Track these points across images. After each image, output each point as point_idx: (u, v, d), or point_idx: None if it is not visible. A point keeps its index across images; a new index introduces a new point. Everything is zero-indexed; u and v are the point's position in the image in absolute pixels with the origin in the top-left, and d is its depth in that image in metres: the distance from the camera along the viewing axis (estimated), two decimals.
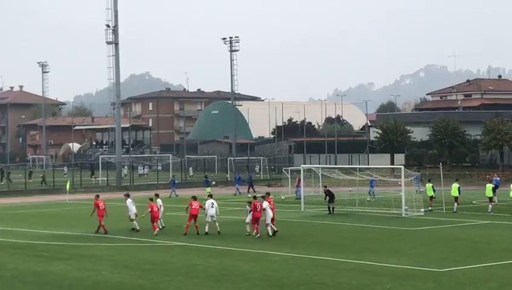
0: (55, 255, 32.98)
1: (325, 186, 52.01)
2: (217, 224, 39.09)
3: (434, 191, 52.11)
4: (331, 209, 49.56)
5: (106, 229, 39.94)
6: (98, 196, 42.19)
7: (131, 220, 40.82)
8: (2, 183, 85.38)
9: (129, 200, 41.30)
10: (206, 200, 40.23)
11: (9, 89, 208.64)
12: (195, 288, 24.75)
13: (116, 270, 28.42)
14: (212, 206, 39.17)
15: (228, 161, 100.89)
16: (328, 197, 49.74)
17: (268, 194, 41.40)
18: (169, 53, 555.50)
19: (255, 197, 40.04)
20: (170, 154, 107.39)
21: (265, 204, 38.09)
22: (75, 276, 27.41)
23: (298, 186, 60.14)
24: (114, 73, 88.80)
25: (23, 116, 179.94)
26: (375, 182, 61.25)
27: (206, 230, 38.66)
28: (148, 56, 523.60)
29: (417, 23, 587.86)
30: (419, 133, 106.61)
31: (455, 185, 50.64)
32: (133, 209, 40.91)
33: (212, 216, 38.93)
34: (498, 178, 60.13)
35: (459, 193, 50.58)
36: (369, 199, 59.22)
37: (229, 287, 24.78)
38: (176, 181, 74.51)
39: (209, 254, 32.47)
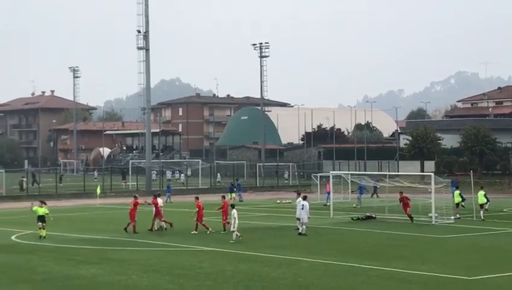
0: (86, 259, 33.19)
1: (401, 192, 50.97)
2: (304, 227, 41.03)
3: (463, 199, 51.96)
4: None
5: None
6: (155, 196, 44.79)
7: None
8: (33, 187, 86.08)
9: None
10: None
11: (41, 93, 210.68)
12: None
13: (146, 275, 28.55)
14: (302, 209, 40.98)
15: (257, 167, 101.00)
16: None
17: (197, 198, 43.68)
18: (200, 59, 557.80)
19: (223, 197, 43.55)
20: (199, 160, 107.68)
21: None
22: (105, 280, 27.58)
23: (328, 192, 59.83)
24: (144, 78, 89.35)
25: (54, 121, 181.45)
26: (365, 189, 61.01)
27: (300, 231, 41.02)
28: (179, 61, 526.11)
29: (448, 30, 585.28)
30: (449, 141, 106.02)
31: (481, 193, 50.67)
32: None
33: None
34: None
35: (487, 199, 50.83)
36: (355, 205, 59.09)
37: None
38: (172, 187, 74.31)
39: (238, 259, 32.50)
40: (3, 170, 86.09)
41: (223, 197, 43.76)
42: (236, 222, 38.43)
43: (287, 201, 59.98)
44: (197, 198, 43.62)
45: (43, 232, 40.15)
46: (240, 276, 28.11)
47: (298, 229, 41.96)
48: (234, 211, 38.82)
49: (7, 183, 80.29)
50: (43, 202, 41.74)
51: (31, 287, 26.34)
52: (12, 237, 41.44)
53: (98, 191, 68.97)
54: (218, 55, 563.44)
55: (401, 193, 49.31)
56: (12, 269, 30.49)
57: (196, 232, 41.72)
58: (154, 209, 43.56)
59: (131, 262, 31.88)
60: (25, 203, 63.92)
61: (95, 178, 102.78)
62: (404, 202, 48.05)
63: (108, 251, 35.85)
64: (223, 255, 33.76)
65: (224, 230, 42.07)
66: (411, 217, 47.52)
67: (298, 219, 42.27)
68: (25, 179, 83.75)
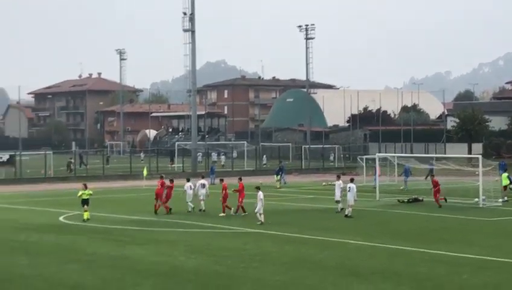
0: (133, 240, 33.44)
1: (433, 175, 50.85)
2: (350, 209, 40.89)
3: (511, 181, 51.49)
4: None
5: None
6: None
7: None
8: (81, 168, 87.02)
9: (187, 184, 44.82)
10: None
11: (88, 75, 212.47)
12: (271, 275, 24.81)
13: (192, 256, 28.67)
14: (349, 191, 40.93)
15: (303, 149, 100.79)
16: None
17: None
18: (245, 41, 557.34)
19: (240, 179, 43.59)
20: (245, 142, 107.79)
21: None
22: (151, 261, 27.74)
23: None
24: (190, 60, 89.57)
25: (101, 103, 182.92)
26: (410, 171, 60.55)
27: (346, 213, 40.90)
28: (224, 44, 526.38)
29: (496, 11, 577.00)
30: (497, 123, 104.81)
31: None
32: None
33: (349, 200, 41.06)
34: None
35: None
36: (402, 187, 58.93)
37: (304, 275, 24.77)
38: (215, 169, 74.77)
39: (283, 241, 32.50)
40: (51, 152, 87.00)
41: (240, 179, 43.85)
42: (262, 204, 38.06)
43: (333, 183, 59.88)
44: (240, 179, 43.85)
45: (86, 215, 40.24)
46: (285, 258, 28.09)
47: (338, 211, 42.23)
48: (260, 193, 38.41)
49: (55, 164, 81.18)
50: (85, 185, 41.70)
51: (78, 267, 26.60)
52: (60, 218, 41.87)
53: (145, 172, 69.35)
54: (264, 37, 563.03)
55: (432, 175, 49.07)
56: (60, 249, 30.85)
57: (246, 213, 41.72)
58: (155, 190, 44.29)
59: (177, 243, 32.06)
60: (72, 185, 64.64)
61: (142, 160, 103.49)
62: (434, 185, 47.44)
63: (155, 232, 36.08)
64: (268, 237, 33.78)
65: (236, 212, 42.00)
66: (438, 201, 46.85)
67: (337, 202, 42.92)
68: (72, 161, 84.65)
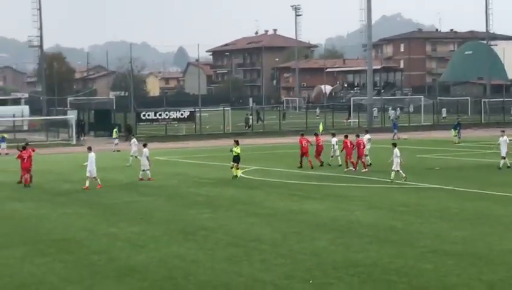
0: (309, 194, 33.75)
1: None
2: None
3: None
4: None
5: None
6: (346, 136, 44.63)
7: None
8: (258, 124, 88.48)
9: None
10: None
11: (264, 32, 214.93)
12: (449, 230, 24.39)
13: (369, 211, 28.62)
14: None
15: (482, 103, 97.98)
16: None
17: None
18: None
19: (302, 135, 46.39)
20: (422, 96, 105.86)
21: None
22: (328, 215, 27.91)
23: None
24: (366, 15, 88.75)
25: (277, 59, 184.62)
26: None
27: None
28: None
29: None
30: None
31: None
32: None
33: None
34: None
35: None
36: None
37: (484, 231, 24.20)
38: (398, 125, 73.96)
39: (463, 197, 31.85)
40: (229, 108, 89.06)
41: (357, 136, 43.81)
42: (398, 161, 37.24)
43: (497, 143, 58.42)
44: (346, 136, 44.22)
45: (235, 172, 40.34)
46: (465, 214, 27.53)
47: (507, 167, 41.70)
48: (396, 150, 37.56)
49: (233, 120, 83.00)
50: (236, 142, 41.85)
51: (257, 220, 27.15)
52: (238, 173, 42.76)
53: (321, 128, 69.61)
54: None
55: None
56: (240, 203, 31.59)
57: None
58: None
59: (353, 198, 32.09)
60: (250, 140, 65.87)
61: (317, 115, 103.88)
62: None
63: (330, 186, 36.25)
64: (446, 193, 33.21)
65: (347, 167, 42.55)
66: None
67: (503, 158, 42.20)
68: (250, 117, 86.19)
